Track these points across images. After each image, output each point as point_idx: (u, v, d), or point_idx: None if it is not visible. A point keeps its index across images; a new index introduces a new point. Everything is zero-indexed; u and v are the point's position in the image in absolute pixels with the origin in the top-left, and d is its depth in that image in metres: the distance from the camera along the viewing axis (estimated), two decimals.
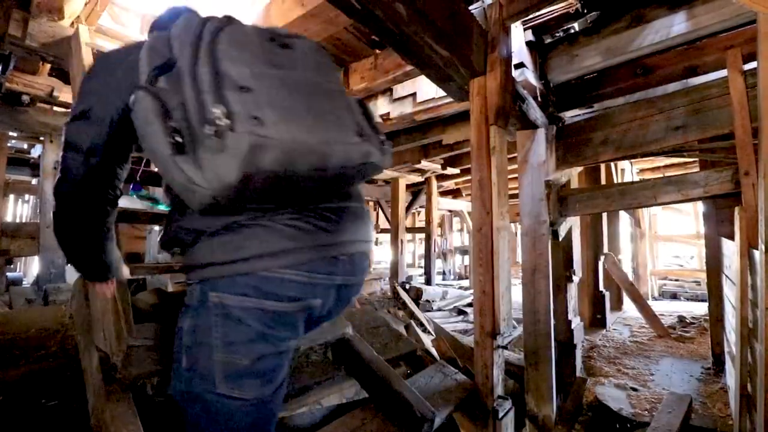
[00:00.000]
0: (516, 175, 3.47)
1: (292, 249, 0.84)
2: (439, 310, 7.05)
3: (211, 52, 0.78)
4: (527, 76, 2.90)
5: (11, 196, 10.04)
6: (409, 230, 10.80)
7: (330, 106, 0.87)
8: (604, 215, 5.80)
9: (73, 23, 2.86)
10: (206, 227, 0.85)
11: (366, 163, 0.88)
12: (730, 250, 3.00)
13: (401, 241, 8.05)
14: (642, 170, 8.28)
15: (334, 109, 0.88)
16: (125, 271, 1.25)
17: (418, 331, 4.41)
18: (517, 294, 3.40)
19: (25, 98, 3.85)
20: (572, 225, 3.74)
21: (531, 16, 2.75)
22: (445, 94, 2.75)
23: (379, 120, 1.13)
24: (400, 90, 3.89)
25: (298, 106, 0.79)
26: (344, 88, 1.01)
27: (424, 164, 6.68)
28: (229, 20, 0.92)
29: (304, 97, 0.82)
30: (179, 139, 0.72)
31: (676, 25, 2.69)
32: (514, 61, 2.61)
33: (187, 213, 0.88)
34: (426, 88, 3.62)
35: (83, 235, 1.01)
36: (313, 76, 0.89)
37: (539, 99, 3.13)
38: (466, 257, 13.75)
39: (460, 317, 6.69)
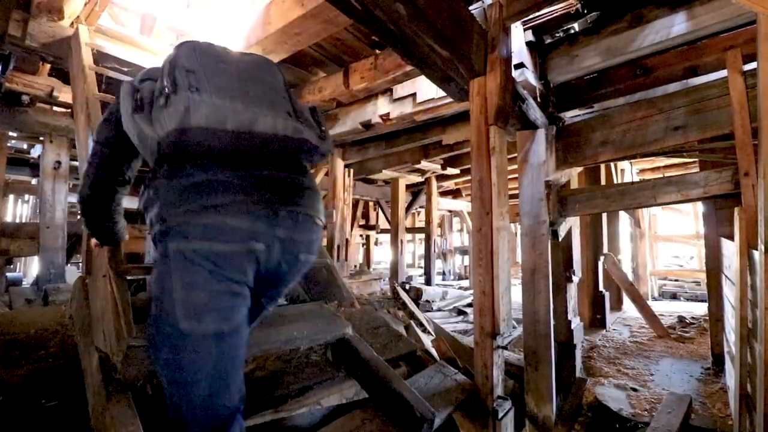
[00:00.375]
0: (516, 176, 3.47)
1: (234, 202, 0.99)
2: (439, 310, 7.05)
3: (175, 58, 1.02)
4: (527, 76, 2.90)
5: (11, 196, 10.04)
6: (409, 230, 10.81)
7: (265, 91, 1.08)
8: (604, 215, 5.80)
9: (72, 23, 2.86)
10: (164, 188, 1.01)
11: (298, 139, 1.08)
12: (730, 250, 3.00)
13: (401, 241, 8.06)
14: (642, 170, 8.29)
15: (269, 93, 1.08)
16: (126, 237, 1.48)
17: (418, 331, 4.40)
18: (516, 294, 3.40)
19: (25, 98, 3.85)
20: (572, 225, 3.74)
21: (531, 17, 2.75)
22: (445, 94, 2.76)
23: (327, 128, 1.25)
24: (400, 90, 3.89)
25: (234, 85, 1.01)
26: (286, 88, 1.16)
27: (424, 164, 6.68)
28: (184, 43, 1.10)
29: (243, 82, 1.04)
30: (139, 103, 0.99)
31: (676, 26, 2.69)
32: (514, 61, 2.61)
33: (151, 186, 1.05)
34: (426, 89, 3.62)
35: (100, 208, 1.32)
36: (257, 72, 1.11)
37: (539, 99, 3.13)
38: (466, 257, 13.76)
39: (460, 317, 6.69)
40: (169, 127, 0.95)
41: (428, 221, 8.55)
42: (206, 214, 0.96)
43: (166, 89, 0.96)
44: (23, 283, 6.19)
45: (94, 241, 1.50)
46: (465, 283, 11.17)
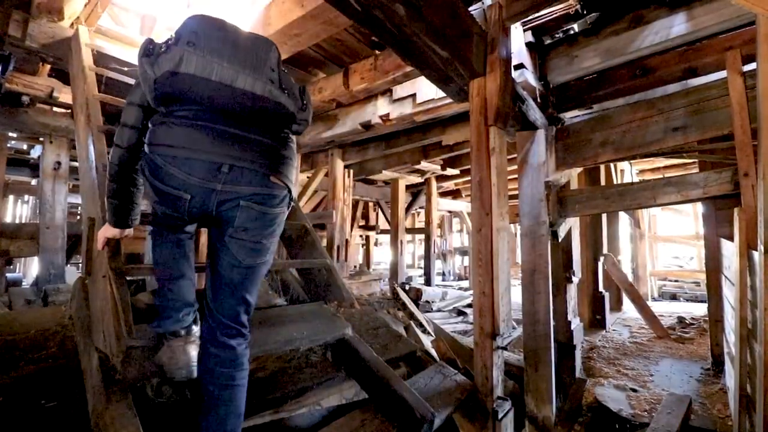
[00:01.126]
0: (516, 176, 3.47)
1: (183, 148, 1.20)
2: (439, 310, 7.05)
3: (186, 21, 1.23)
4: (527, 76, 2.90)
5: (11, 197, 10.04)
6: (408, 231, 10.81)
7: (254, 60, 1.24)
8: (604, 216, 5.80)
9: (73, 24, 2.86)
10: (152, 123, 1.27)
11: (275, 102, 1.26)
12: (730, 251, 3.00)
13: (401, 241, 8.06)
14: (641, 171, 8.29)
15: (257, 62, 1.25)
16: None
17: (418, 332, 4.40)
18: (516, 295, 3.40)
19: (25, 99, 3.84)
20: (572, 226, 3.74)
21: (531, 17, 2.75)
22: (444, 94, 2.76)
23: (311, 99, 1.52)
24: (399, 91, 3.89)
25: (226, 49, 1.21)
26: (277, 64, 1.32)
27: (424, 165, 6.68)
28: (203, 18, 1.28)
29: (235, 48, 1.23)
30: (149, 50, 1.19)
31: (675, 27, 2.69)
32: (514, 62, 2.62)
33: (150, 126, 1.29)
34: (426, 89, 3.62)
35: (123, 187, 1.41)
36: (252, 45, 1.27)
37: (539, 100, 3.13)
38: (466, 258, 13.76)
39: (460, 318, 6.69)
40: (164, 69, 1.16)
41: (428, 222, 8.55)
42: (159, 149, 1.22)
43: (170, 41, 1.19)
44: (23, 283, 6.19)
45: (101, 239, 1.56)
46: (465, 283, 11.17)
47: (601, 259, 5.72)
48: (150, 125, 1.28)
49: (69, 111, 4.28)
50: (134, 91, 1.40)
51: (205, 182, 1.22)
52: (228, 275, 1.30)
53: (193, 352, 1.36)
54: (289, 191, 1.36)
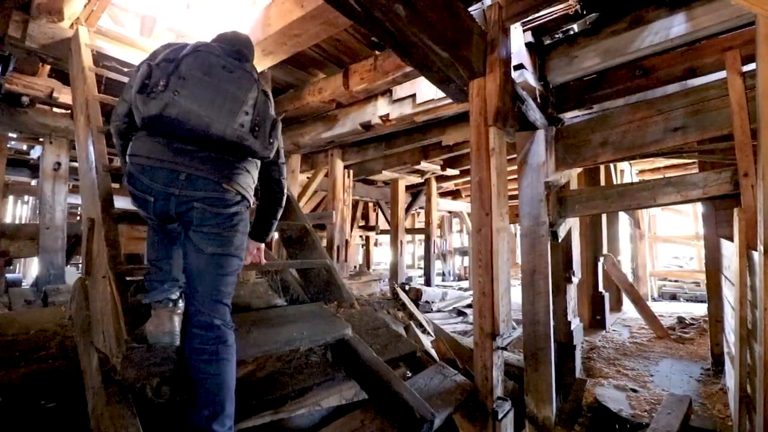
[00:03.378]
0: (515, 177, 3.47)
1: (148, 158, 1.42)
2: (439, 311, 7.04)
3: (182, 60, 1.44)
4: (526, 77, 2.91)
5: (10, 198, 10.04)
6: (408, 231, 10.81)
7: (231, 106, 1.43)
8: (604, 216, 5.80)
9: (72, 24, 2.86)
10: (132, 144, 1.49)
11: (243, 144, 1.46)
12: (730, 251, 3.01)
13: (401, 242, 8.06)
14: (641, 171, 8.29)
15: (233, 108, 1.43)
16: None
17: (418, 332, 4.40)
18: (516, 295, 3.40)
19: (25, 99, 3.85)
20: (572, 226, 3.74)
21: (530, 18, 2.75)
22: (444, 95, 2.76)
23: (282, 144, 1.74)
24: (399, 91, 3.89)
25: (206, 96, 1.40)
26: (255, 104, 1.50)
27: (424, 165, 6.68)
28: (197, 48, 1.49)
29: (216, 94, 1.41)
30: (145, 84, 1.38)
31: (675, 27, 2.69)
32: (514, 62, 2.62)
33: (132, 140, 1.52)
34: (425, 90, 3.63)
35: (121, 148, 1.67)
36: (234, 89, 1.45)
37: (538, 100, 3.14)
38: (466, 258, 13.76)
39: (460, 318, 6.69)
40: (152, 112, 1.37)
41: (428, 222, 8.55)
42: (133, 158, 1.45)
43: (160, 87, 1.37)
44: (23, 284, 6.18)
45: None
46: (465, 284, 11.17)
47: (601, 259, 5.73)
48: (131, 145, 1.51)
49: (69, 111, 4.28)
50: (127, 91, 1.59)
51: (166, 188, 1.42)
52: (195, 263, 1.45)
53: (177, 321, 1.50)
54: (243, 197, 1.52)
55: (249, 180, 1.55)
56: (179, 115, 1.37)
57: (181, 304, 1.55)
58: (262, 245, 1.92)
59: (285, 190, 1.84)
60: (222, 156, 1.48)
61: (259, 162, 1.62)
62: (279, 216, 1.85)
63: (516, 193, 3.37)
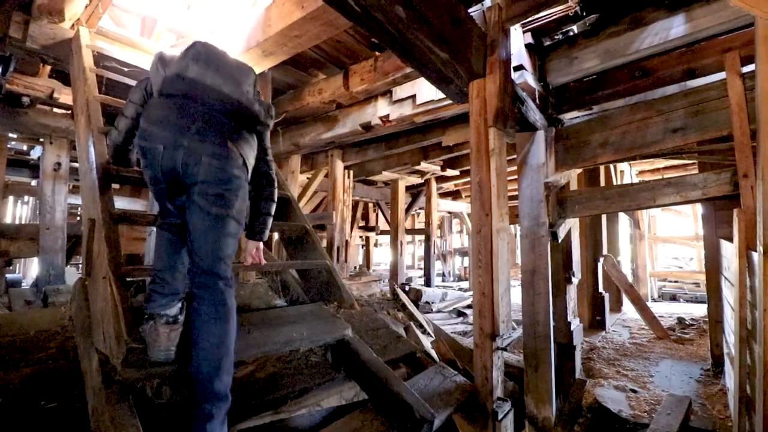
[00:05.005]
0: (515, 177, 3.47)
1: (161, 114, 1.54)
2: (439, 311, 7.05)
3: (193, 46, 1.66)
4: (526, 78, 2.91)
5: (11, 198, 10.04)
6: (408, 232, 10.81)
7: (236, 78, 1.65)
8: (604, 217, 5.81)
9: (73, 25, 2.86)
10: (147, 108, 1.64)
11: (248, 106, 1.64)
12: (729, 251, 3.01)
13: (401, 242, 8.06)
14: (641, 172, 8.30)
15: (238, 80, 1.65)
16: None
17: (418, 332, 4.40)
18: (516, 296, 3.41)
19: (26, 100, 3.85)
20: (571, 227, 3.74)
21: (530, 19, 2.75)
22: (444, 96, 2.76)
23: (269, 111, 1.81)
24: (399, 92, 3.90)
25: (218, 67, 1.62)
26: (253, 83, 1.74)
27: (424, 166, 6.69)
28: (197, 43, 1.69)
29: (224, 68, 1.64)
30: (164, 60, 1.66)
31: (674, 28, 2.70)
32: (514, 63, 2.62)
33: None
34: (426, 90, 3.63)
35: (120, 151, 1.94)
36: (236, 69, 1.69)
37: (538, 101, 3.14)
38: (466, 259, 13.76)
39: (460, 319, 6.69)
40: (173, 71, 1.57)
41: (428, 223, 8.55)
42: (145, 122, 1.55)
43: (180, 55, 1.62)
44: (23, 284, 6.19)
45: None
46: (465, 284, 11.17)
47: (601, 259, 5.73)
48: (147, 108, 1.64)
49: (69, 112, 4.28)
50: (135, 92, 1.82)
51: (176, 138, 1.49)
52: (201, 225, 1.51)
53: (174, 336, 1.49)
54: (244, 161, 1.61)
55: (249, 149, 1.66)
56: (196, 75, 1.55)
57: (180, 318, 1.54)
58: (261, 245, 1.93)
59: (275, 185, 1.90)
60: (229, 120, 1.60)
61: (256, 141, 1.73)
62: (273, 212, 1.89)
63: (516, 193, 3.38)
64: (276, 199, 1.89)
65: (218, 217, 1.51)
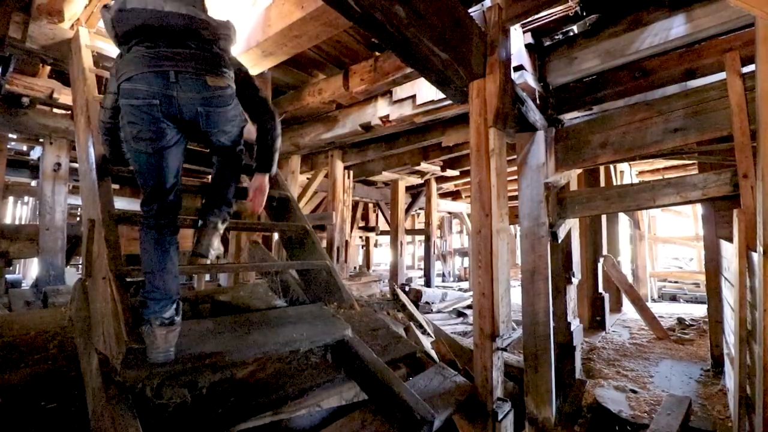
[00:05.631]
0: (515, 177, 3.47)
1: (140, 71, 1.51)
2: (439, 312, 7.05)
3: None
4: (526, 78, 2.91)
5: (10, 198, 10.03)
6: (408, 232, 10.81)
7: (180, 2, 1.60)
8: (604, 217, 5.81)
9: (73, 26, 2.86)
10: (117, 66, 1.60)
11: (199, 19, 1.61)
12: (729, 252, 3.01)
13: (401, 242, 8.06)
14: (641, 172, 8.30)
15: (184, 3, 1.60)
16: None
17: (418, 333, 4.40)
18: (516, 296, 3.40)
19: (25, 100, 3.85)
20: (571, 227, 3.74)
21: (530, 19, 2.76)
22: (444, 96, 2.76)
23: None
24: (399, 92, 3.90)
25: None
26: (197, 4, 1.70)
27: (424, 166, 6.69)
28: None
29: None
30: (106, 6, 1.61)
31: (674, 28, 2.70)
32: (514, 63, 2.62)
33: (114, 66, 1.65)
34: (426, 91, 3.63)
35: (110, 138, 1.96)
36: None
37: (538, 101, 3.14)
38: (466, 259, 13.76)
39: (460, 319, 6.69)
40: (114, 9, 1.55)
41: (428, 223, 8.56)
42: (128, 82, 1.53)
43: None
44: (23, 285, 6.18)
45: None
46: (464, 284, 11.17)
47: (601, 260, 5.73)
48: (115, 71, 1.62)
49: (69, 112, 4.28)
50: (113, 65, 1.76)
51: (164, 89, 1.52)
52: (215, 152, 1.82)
53: (172, 338, 1.49)
54: (230, 87, 1.68)
55: (228, 68, 1.70)
56: (137, 3, 1.54)
57: (177, 319, 1.52)
58: (267, 179, 1.99)
59: (276, 119, 1.98)
60: (195, 49, 1.60)
61: (231, 70, 1.74)
62: (278, 147, 1.99)
63: (516, 194, 3.38)
64: (280, 134, 1.99)
65: (226, 135, 1.76)
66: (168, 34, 1.55)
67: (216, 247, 1.83)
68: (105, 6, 1.62)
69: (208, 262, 1.99)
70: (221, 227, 1.86)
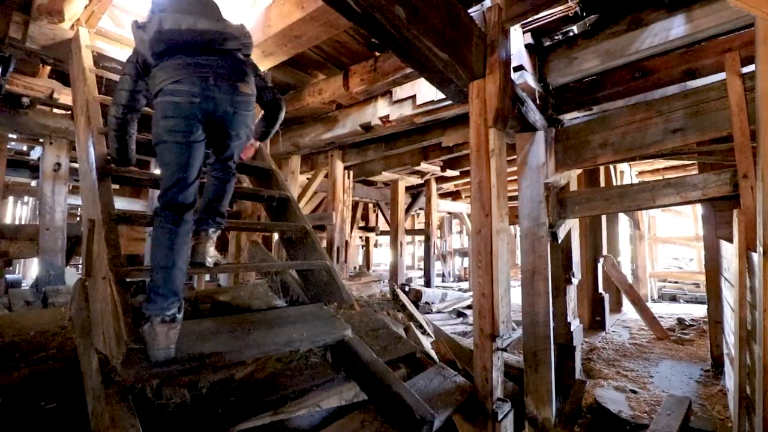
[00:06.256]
0: (515, 178, 3.47)
1: (186, 76, 1.69)
2: (439, 312, 7.05)
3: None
4: (526, 78, 2.91)
5: (10, 198, 10.03)
6: (408, 232, 10.81)
7: (204, 11, 1.85)
8: (604, 217, 5.81)
9: (73, 26, 2.86)
10: (156, 74, 1.75)
11: (227, 32, 1.83)
12: (729, 252, 3.01)
13: (401, 243, 8.06)
14: (641, 172, 8.30)
15: (208, 13, 1.86)
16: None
17: (418, 333, 4.40)
18: (516, 296, 3.40)
19: (25, 100, 3.84)
20: (571, 227, 3.74)
21: (530, 19, 2.76)
22: (444, 96, 2.76)
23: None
24: (399, 92, 3.90)
25: (187, 8, 1.81)
26: (220, 15, 1.94)
27: (424, 166, 6.69)
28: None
29: (194, 6, 1.84)
30: (140, 25, 1.79)
31: (674, 28, 2.70)
32: (514, 63, 2.62)
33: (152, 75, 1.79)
34: (426, 91, 3.63)
35: (120, 134, 1.98)
36: (203, 5, 1.89)
37: (538, 101, 3.14)
38: (466, 259, 13.76)
39: (460, 319, 6.69)
40: (152, 31, 1.72)
41: (428, 223, 8.56)
42: (168, 83, 1.69)
43: (150, 15, 1.80)
44: (22, 284, 6.18)
45: None
46: (464, 284, 11.17)
47: (601, 260, 5.73)
48: (146, 82, 1.84)
49: (69, 112, 4.28)
50: (127, 66, 1.93)
51: (204, 90, 1.69)
52: (231, 144, 1.92)
53: (174, 334, 1.50)
54: (253, 92, 1.89)
55: (250, 77, 1.90)
56: (172, 24, 1.72)
57: (179, 317, 1.53)
58: (258, 143, 2.30)
59: (282, 107, 2.18)
60: (228, 60, 1.81)
61: (252, 75, 1.93)
62: (278, 125, 2.23)
63: (516, 194, 3.38)
64: (282, 118, 2.20)
65: (239, 141, 1.93)
66: (202, 46, 1.76)
67: (212, 254, 1.90)
68: (136, 22, 1.81)
69: None
70: (214, 236, 1.95)
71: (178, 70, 1.70)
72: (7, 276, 5.64)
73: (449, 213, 12.72)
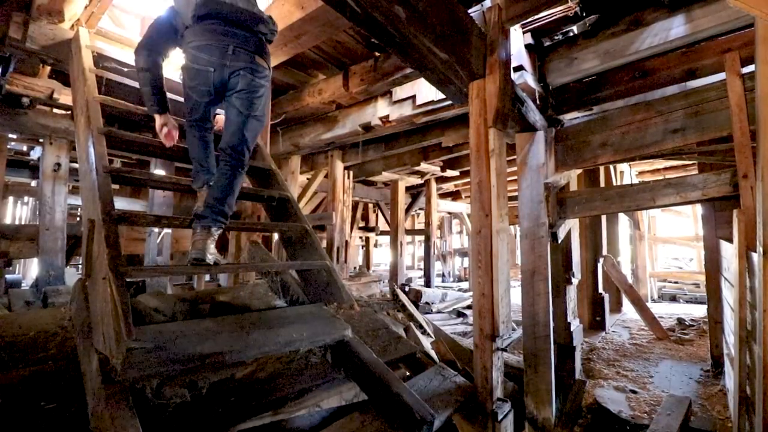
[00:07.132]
0: (515, 178, 3.47)
1: (207, 42, 1.93)
2: (439, 312, 7.05)
3: None
4: (526, 78, 2.91)
5: (10, 198, 10.03)
6: (408, 232, 10.81)
7: (248, 1, 2.07)
8: (603, 217, 5.81)
9: (73, 26, 2.86)
10: (188, 36, 1.99)
11: (258, 14, 2.04)
12: (729, 252, 3.01)
13: (400, 243, 8.06)
14: (641, 173, 8.30)
15: (249, 2, 2.07)
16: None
17: (418, 333, 4.40)
18: (516, 296, 3.40)
19: (25, 100, 3.84)
20: (571, 227, 3.74)
21: (530, 19, 2.76)
22: (444, 96, 2.76)
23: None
24: (399, 92, 3.90)
25: None
26: (255, 4, 2.12)
27: (424, 166, 6.69)
28: None
29: None
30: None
31: (674, 29, 2.70)
32: (513, 63, 2.62)
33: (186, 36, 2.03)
34: (425, 91, 3.63)
35: (149, 78, 2.10)
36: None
37: (538, 101, 3.14)
38: (466, 259, 13.76)
39: (460, 319, 6.69)
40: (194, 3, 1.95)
41: (428, 223, 8.55)
42: (192, 47, 1.94)
43: None
44: (22, 285, 6.18)
45: (159, 127, 2.17)
46: (464, 284, 11.16)
47: (601, 260, 5.73)
48: (180, 36, 2.05)
49: (69, 112, 4.28)
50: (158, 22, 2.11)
51: (220, 59, 1.92)
52: (235, 119, 2.01)
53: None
54: (269, 70, 2.09)
55: (270, 60, 2.11)
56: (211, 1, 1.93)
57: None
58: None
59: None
60: (252, 34, 2.01)
61: (269, 60, 2.12)
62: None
63: (516, 194, 3.38)
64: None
65: (246, 116, 2.01)
66: (236, 21, 1.97)
67: (212, 251, 1.95)
68: None
69: None
70: (216, 233, 1.98)
71: (204, 34, 1.93)
72: (7, 276, 5.64)
73: (449, 213, 12.72)
